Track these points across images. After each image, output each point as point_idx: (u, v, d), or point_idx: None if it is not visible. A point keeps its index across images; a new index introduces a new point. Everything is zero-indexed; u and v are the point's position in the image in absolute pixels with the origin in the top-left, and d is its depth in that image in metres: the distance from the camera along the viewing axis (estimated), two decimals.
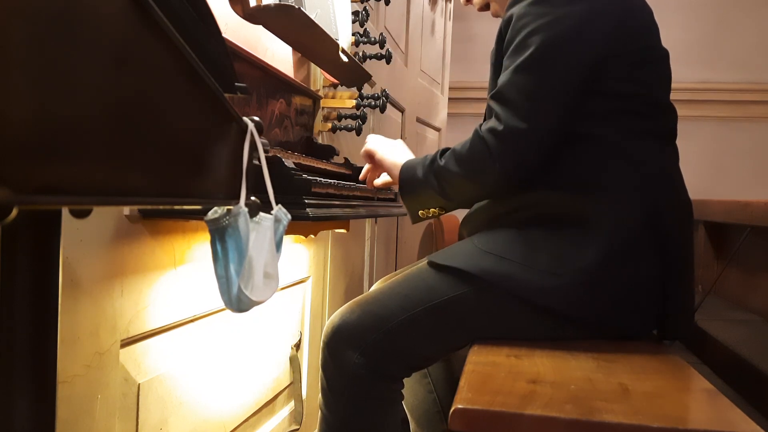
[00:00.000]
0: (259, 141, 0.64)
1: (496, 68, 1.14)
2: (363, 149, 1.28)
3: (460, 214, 1.26)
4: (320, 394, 1.16)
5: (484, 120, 1.17)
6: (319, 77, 1.59)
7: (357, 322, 1.11)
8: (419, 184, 1.15)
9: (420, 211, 1.18)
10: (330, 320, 1.16)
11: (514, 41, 1.06)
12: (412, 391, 1.38)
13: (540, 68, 1.03)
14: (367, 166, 1.31)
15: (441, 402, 1.39)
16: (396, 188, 1.27)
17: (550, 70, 1.03)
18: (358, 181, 1.31)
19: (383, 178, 1.30)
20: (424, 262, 1.17)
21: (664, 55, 1.13)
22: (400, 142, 1.29)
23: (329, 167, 1.31)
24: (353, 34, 1.60)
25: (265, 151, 0.67)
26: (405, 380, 1.19)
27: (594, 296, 1.02)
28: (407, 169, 1.18)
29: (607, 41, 1.04)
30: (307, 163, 1.17)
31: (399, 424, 1.17)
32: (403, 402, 1.19)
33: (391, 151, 1.24)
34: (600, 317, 1.04)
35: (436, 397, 1.39)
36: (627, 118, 1.06)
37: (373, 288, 1.24)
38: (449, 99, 3.57)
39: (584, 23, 1.03)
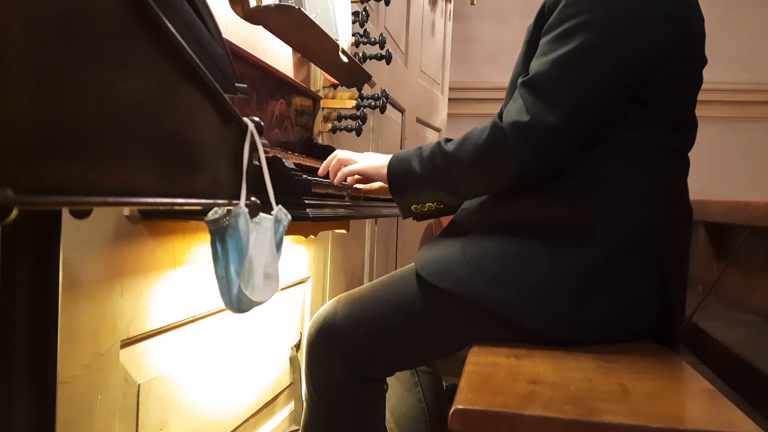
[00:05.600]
0: (259, 141, 0.64)
1: (530, 46, 1.04)
2: (347, 170, 1.12)
3: None
4: (304, 388, 1.14)
5: (504, 106, 1.05)
6: (319, 78, 1.59)
7: (340, 325, 1.09)
8: (415, 178, 1.05)
9: (413, 206, 1.09)
10: (314, 321, 1.13)
11: (560, 27, 0.96)
12: (401, 399, 1.36)
13: (587, 65, 0.94)
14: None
15: (429, 412, 1.37)
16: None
17: (598, 69, 0.94)
18: None
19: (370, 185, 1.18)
20: (412, 265, 1.11)
21: (704, 65, 1.05)
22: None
23: None
24: (353, 35, 1.60)
25: (265, 152, 0.67)
26: (394, 388, 1.17)
27: (584, 322, 0.98)
28: (399, 162, 1.07)
29: (664, 46, 0.95)
30: (307, 164, 1.17)
31: (383, 419, 1.16)
32: (389, 411, 1.17)
33: (369, 159, 1.13)
34: (588, 341, 1.00)
35: (425, 407, 1.37)
36: (652, 129, 0.99)
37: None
38: (449, 99, 3.57)
39: (642, 23, 0.94)
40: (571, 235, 0.99)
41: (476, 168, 1.00)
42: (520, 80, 0.99)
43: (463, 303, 1.01)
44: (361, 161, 1.12)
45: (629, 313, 1.01)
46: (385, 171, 1.08)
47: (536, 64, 0.98)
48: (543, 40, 0.99)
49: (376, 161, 1.11)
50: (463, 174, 1.02)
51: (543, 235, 1.00)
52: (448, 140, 1.06)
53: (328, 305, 1.14)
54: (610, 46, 0.94)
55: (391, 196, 1.13)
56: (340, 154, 1.15)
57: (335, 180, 1.13)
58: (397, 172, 1.07)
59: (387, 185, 1.10)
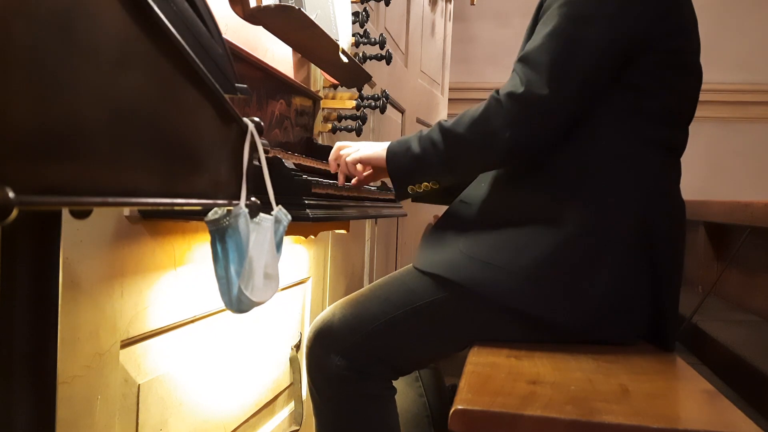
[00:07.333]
0: (259, 141, 0.64)
1: (530, 37, 1.09)
2: (349, 159, 1.14)
3: None
4: (305, 391, 1.15)
5: None
6: (319, 78, 1.59)
7: (338, 325, 1.11)
8: (413, 155, 1.07)
9: (410, 186, 1.10)
10: (313, 324, 1.15)
11: (550, 9, 1.02)
12: (403, 394, 1.36)
13: (572, 36, 0.99)
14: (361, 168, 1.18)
15: (431, 407, 1.37)
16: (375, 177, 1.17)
17: (583, 41, 0.99)
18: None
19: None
20: (410, 266, 1.14)
21: (699, 72, 1.08)
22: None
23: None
24: (353, 35, 1.60)
25: (265, 152, 0.67)
26: (396, 383, 1.17)
27: (577, 305, 0.99)
28: (398, 144, 1.10)
29: (648, 30, 0.99)
30: (307, 164, 1.17)
31: (395, 423, 1.16)
32: None
33: (369, 145, 1.15)
34: (583, 326, 1.01)
35: (426, 402, 1.38)
36: (641, 120, 1.02)
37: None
38: (449, 100, 3.57)
39: (627, 3, 0.99)
40: (563, 225, 1.01)
41: (472, 140, 1.03)
42: (517, 59, 1.04)
43: (460, 295, 1.02)
44: (361, 149, 1.14)
45: (622, 303, 1.02)
46: (384, 153, 1.10)
47: (530, 43, 1.04)
48: (537, 26, 1.05)
49: (376, 146, 1.13)
50: (459, 147, 1.04)
51: (535, 224, 1.02)
52: (446, 121, 1.09)
53: (326, 311, 1.16)
54: (595, 19, 0.98)
55: (387, 185, 1.15)
56: (339, 144, 1.17)
57: (334, 168, 1.15)
58: (395, 152, 1.09)
59: (385, 167, 1.11)
